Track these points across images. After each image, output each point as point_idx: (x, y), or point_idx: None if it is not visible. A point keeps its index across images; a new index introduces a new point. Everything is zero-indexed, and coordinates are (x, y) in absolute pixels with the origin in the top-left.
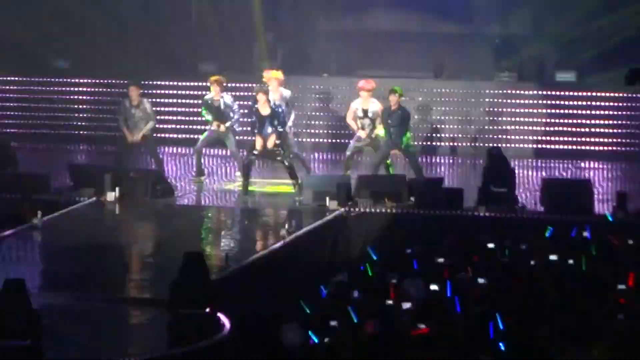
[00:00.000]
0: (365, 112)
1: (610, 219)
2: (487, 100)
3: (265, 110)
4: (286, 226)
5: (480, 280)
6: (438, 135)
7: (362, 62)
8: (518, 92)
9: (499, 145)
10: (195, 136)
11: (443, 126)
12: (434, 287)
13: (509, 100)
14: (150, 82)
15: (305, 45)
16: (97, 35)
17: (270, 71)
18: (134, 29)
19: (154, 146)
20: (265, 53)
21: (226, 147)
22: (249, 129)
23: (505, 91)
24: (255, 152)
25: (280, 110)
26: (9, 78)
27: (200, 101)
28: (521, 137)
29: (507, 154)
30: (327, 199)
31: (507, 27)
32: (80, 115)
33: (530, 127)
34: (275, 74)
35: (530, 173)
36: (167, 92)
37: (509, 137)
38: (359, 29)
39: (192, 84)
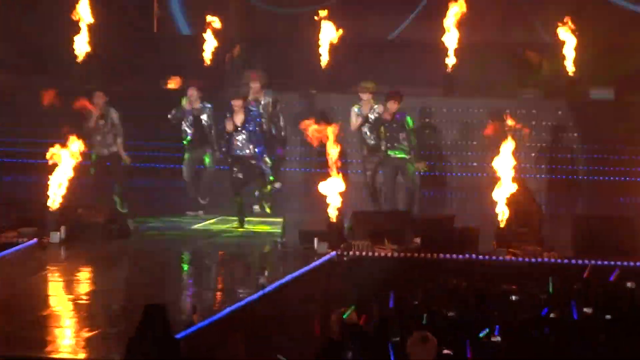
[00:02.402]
0: (366, 118)
1: None
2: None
3: (239, 118)
4: (266, 273)
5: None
6: (448, 163)
7: (358, 76)
8: (544, 112)
9: (522, 175)
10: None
11: (454, 153)
12: (445, 350)
13: (533, 122)
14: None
15: (288, 55)
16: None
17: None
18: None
19: (122, 170)
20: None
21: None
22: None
23: (529, 111)
24: (235, 170)
25: (255, 112)
26: None
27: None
28: (549, 166)
29: (532, 186)
30: (316, 240)
31: (532, 33)
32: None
33: (559, 154)
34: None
35: (562, 209)
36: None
37: (535, 165)
38: (353, 36)
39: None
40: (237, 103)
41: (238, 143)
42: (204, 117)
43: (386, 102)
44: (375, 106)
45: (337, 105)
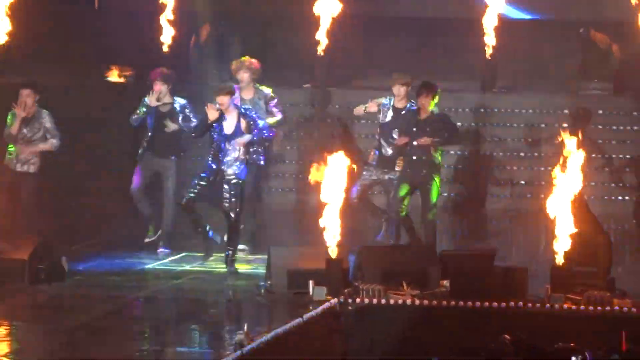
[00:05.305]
0: (395, 110)
1: None
2: (564, 125)
3: (227, 123)
4: (245, 328)
5: None
6: (485, 181)
7: (366, 67)
8: (614, 113)
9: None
10: None
11: (493, 166)
12: None
13: (599, 126)
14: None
15: (276, 39)
16: None
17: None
18: None
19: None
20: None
21: None
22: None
23: (594, 111)
24: (202, 183)
25: (252, 115)
26: None
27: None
28: (618, 184)
29: (597, 210)
30: (311, 283)
31: (599, 9)
32: None
33: (633, 169)
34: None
35: (637, 241)
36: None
37: (600, 183)
38: (359, 13)
39: None
40: (223, 100)
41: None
42: (174, 116)
43: (417, 97)
44: (413, 102)
45: (341, 102)
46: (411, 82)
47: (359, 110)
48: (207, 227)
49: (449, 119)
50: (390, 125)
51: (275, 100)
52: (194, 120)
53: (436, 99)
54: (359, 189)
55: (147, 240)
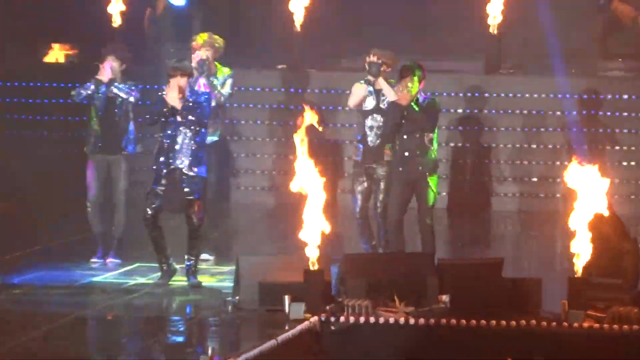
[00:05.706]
0: (377, 94)
1: None
2: (583, 112)
3: (174, 101)
4: (209, 351)
5: None
6: (492, 177)
7: (352, 46)
8: None
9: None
10: None
11: (501, 161)
12: None
13: (624, 113)
14: None
15: (245, 12)
16: None
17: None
18: None
19: None
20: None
21: None
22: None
23: (616, 96)
24: (160, 188)
25: (203, 100)
26: None
27: None
28: None
29: (624, 213)
30: (287, 299)
31: None
32: None
33: None
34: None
35: None
36: None
37: (627, 181)
38: None
39: None
40: (182, 83)
41: (175, 146)
42: (125, 100)
43: (400, 80)
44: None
45: (321, 85)
46: (392, 63)
47: (357, 98)
48: (167, 256)
49: (434, 110)
50: (373, 111)
51: (229, 79)
52: (126, 92)
53: (422, 83)
54: (359, 199)
55: (93, 260)
